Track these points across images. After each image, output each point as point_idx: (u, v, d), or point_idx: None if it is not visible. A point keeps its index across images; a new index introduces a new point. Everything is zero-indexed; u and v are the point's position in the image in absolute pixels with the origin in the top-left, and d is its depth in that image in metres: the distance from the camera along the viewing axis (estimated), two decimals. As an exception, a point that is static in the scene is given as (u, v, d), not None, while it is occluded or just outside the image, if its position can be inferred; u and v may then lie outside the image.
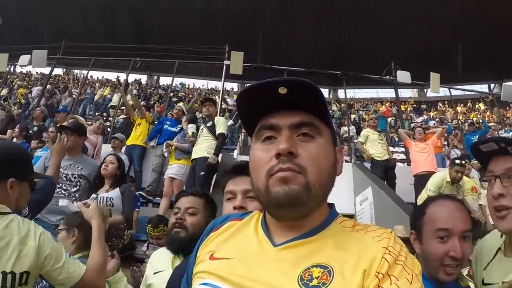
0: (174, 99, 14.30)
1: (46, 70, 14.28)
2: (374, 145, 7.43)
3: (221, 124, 5.56)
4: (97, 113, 14.19)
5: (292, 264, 0.75)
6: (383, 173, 7.14)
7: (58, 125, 5.76)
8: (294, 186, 0.75)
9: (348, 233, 0.80)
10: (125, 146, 6.91)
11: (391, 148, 10.75)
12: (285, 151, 0.76)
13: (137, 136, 7.18)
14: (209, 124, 5.63)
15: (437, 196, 1.59)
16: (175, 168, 5.82)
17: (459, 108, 20.80)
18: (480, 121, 15.99)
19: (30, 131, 7.26)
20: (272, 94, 0.78)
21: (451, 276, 1.33)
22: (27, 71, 21.27)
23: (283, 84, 0.77)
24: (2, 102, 14.23)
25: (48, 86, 15.05)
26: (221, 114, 9.51)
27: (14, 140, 6.71)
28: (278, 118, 0.81)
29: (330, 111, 15.63)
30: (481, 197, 5.74)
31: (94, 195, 3.94)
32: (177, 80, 19.08)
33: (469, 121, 15.20)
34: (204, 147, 5.43)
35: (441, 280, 1.34)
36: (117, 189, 3.94)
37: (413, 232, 1.47)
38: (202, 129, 5.65)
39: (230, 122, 11.75)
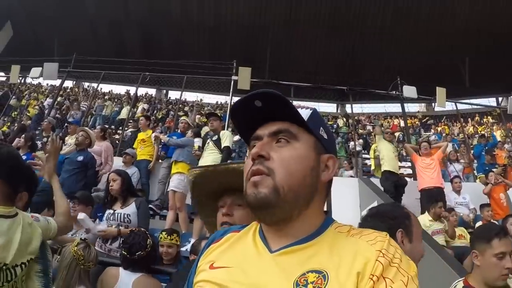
0: (179, 113, 14.40)
1: (56, 83, 14.47)
2: (388, 156, 7.45)
3: (226, 138, 5.61)
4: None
5: (288, 269, 0.77)
6: (393, 188, 7.10)
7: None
8: (262, 189, 0.80)
9: (343, 238, 0.82)
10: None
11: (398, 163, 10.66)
12: (255, 155, 0.83)
13: (142, 152, 7.29)
14: (214, 138, 5.68)
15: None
16: (176, 181, 5.79)
17: (468, 124, 20.62)
18: (488, 134, 15.85)
19: (40, 142, 7.34)
20: (253, 108, 0.86)
21: None
22: (37, 83, 21.54)
23: (257, 97, 0.85)
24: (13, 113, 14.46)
25: (58, 98, 15.28)
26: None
27: (20, 150, 6.72)
28: (262, 129, 0.88)
29: (335, 126, 15.31)
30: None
31: (110, 211, 4.04)
32: (186, 95, 19.28)
33: (477, 135, 15.06)
34: (209, 161, 5.47)
35: None
36: (133, 205, 4.03)
37: (401, 230, 1.48)
38: (208, 143, 5.70)
39: (238, 137, 11.79)
